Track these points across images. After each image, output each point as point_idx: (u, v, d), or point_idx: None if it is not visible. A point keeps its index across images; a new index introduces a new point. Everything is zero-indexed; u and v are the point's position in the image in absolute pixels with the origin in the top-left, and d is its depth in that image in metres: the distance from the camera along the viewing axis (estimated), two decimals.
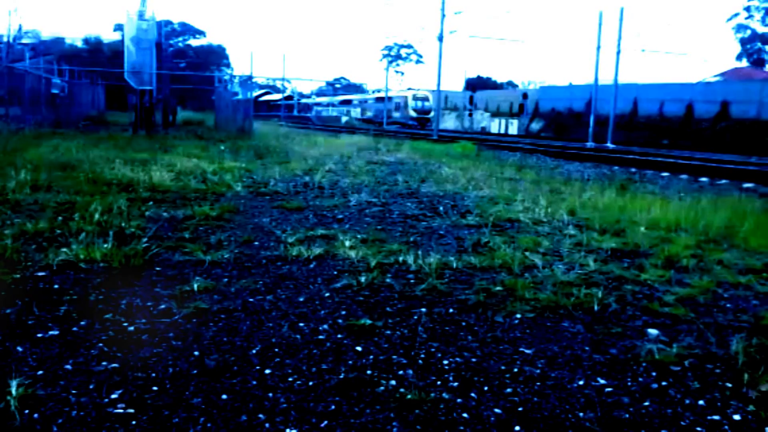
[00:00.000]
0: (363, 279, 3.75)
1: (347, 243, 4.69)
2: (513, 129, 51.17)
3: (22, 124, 18.98)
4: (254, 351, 2.69)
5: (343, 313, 3.22)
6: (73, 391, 2.26)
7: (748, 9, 61.20)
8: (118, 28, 54.79)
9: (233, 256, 4.27)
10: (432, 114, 49.23)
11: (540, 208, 6.69)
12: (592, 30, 31.34)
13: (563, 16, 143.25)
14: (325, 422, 2.11)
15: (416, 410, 2.21)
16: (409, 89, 62.40)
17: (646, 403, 2.34)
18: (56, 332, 2.81)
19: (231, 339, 2.81)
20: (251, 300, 3.38)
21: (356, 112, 62.30)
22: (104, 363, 2.51)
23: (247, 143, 17.63)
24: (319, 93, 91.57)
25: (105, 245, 4.27)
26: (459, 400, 2.31)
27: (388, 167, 11.96)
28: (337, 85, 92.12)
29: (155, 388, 2.31)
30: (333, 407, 2.22)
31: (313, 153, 14.80)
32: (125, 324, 2.94)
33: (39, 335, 2.77)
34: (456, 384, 2.44)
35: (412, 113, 51.53)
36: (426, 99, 52.69)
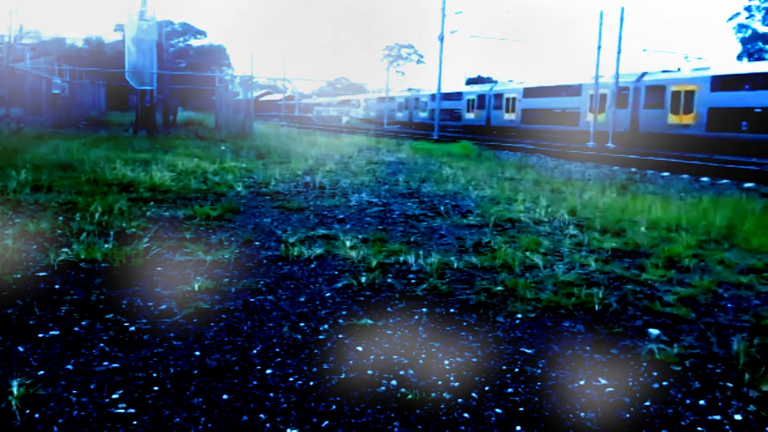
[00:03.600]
0: (364, 279, 3.75)
1: (348, 243, 4.69)
2: None
3: (22, 124, 19.00)
4: (255, 351, 2.69)
5: (344, 313, 3.22)
6: (74, 391, 2.26)
7: (748, 9, 61.05)
8: (119, 28, 54.90)
9: (234, 256, 4.28)
10: None
11: (541, 208, 6.69)
12: (593, 30, 31.29)
13: (564, 16, 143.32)
14: (326, 422, 2.11)
15: (417, 410, 2.22)
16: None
17: (647, 403, 2.33)
18: (57, 332, 2.82)
19: (232, 339, 2.82)
20: (252, 300, 3.38)
21: (357, 112, 61.93)
22: (105, 363, 2.51)
23: (248, 143, 17.63)
24: (320, 93, 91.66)
25: (106, 245, 4.28)
26: (460, 400, 2.31)
27: (388, 167, 11.96)
28: (338, 85, 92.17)
29: (156, 388, 2.32)
30: (334, 407, 2.22)
31: (313, 153, 14.79)
32: (126, 324, 2.95)
33: (40, 335, 2.77)
34: (457, 384, 2.44)
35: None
36: None
